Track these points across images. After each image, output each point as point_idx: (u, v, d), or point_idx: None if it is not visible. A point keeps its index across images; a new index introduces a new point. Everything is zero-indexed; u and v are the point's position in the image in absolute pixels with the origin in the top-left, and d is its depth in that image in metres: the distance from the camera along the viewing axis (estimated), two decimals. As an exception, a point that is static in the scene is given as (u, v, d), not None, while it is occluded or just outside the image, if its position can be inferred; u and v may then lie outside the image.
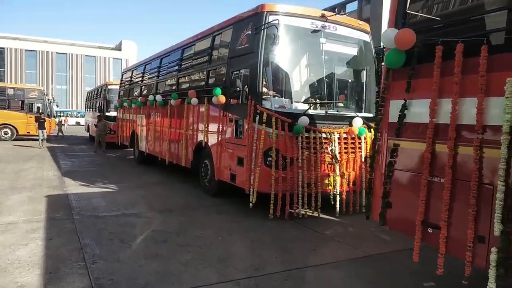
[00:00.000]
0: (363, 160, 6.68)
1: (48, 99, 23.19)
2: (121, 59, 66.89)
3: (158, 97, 10.18)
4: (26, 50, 62.19)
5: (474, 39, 2.69)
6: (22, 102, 20.63)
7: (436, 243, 2.91)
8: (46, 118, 18.71)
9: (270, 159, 5.94)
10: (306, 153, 6.08)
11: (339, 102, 6.78)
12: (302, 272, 4.04)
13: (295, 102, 6.45)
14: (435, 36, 3.00)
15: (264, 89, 6.12)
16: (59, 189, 8.12)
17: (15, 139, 20.19)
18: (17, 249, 4.42)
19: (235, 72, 6.80)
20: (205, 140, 7.70)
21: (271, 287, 3.66)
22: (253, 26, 6.26)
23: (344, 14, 6.57)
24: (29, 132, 20.29)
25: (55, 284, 3.55)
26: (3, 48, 60.77)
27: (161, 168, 11.00)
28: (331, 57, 6.76)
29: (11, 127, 20.19)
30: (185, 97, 8.62)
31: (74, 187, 8.35)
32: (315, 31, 6.49)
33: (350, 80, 7.09)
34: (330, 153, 6.31)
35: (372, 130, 6.79)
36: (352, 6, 40.32)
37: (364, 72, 7.13)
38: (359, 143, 6.63)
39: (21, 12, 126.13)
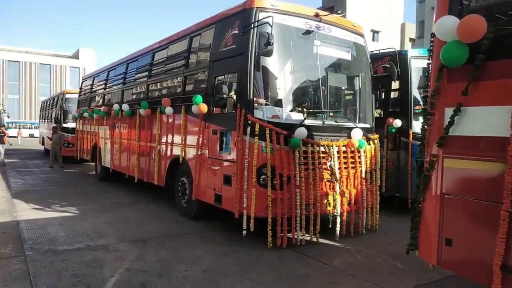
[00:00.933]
0: (363, 176, 6.01)
1: (-1, 110, 21.14)
2: (78, 68, 63.91)
3: (125, 107, 9.10)
4: (-27, 57, 58.03)
5: None
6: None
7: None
8: (5, 132, 16.84)
9: (265, 177, 5.12)
10: (304, 169, 5.31)
11: (337, 112, 6.10)
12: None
13: (289, 111, 5.69)
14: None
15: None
16: (8, 214, 6.86)
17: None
18: None
19: (219, 77, 5.96)
20: (183, 155, 6.76)
21: None
22: (241, 24, 5.46)
23: (341, 14, 5.93)
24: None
25: None
26: None
27: (129, 186, 9.86)
28: (326, 61, 6.07)
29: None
30: (157, 106, 7.64)
31: (26, 211, 7.10)
32: (308, 32, 5.78)
33: (346, 88, 6.44)
34: (329, 169, 5.58)
35: (371, 142, 6.24)
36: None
37: (360, 79, 6.50)
38: (359, 157, 5.96)
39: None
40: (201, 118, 6.18)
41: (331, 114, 6.07)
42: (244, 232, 5.17)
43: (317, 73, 5.86)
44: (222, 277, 4.18)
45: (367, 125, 6.33)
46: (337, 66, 6.30)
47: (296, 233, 5.29)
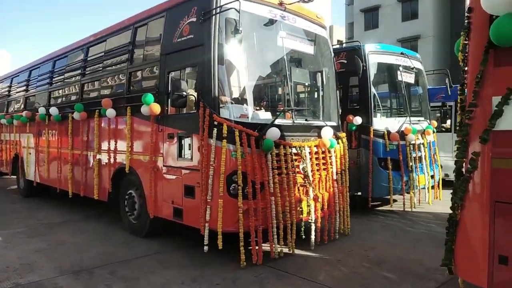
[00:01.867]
0: (334, 177, 5.59)
1: None
2: (-10, 70, 57.46)
3: (53, 110, 7.81)
4: None
5: None
6: None
7: None
8: None
9: (236, 186, 4.46)
10: (278, 174, 4.74)
11: (306, 109, 5.62)
12: None
13: (256, 109, 5.09)
14: None
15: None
16: None
17: None
18: None
19: (174, 73, 5.17)
20: (129, 164, 5.83)
21: None
22: (199, 11, 4.73)
23: (310, 1, 5.45)
24: None
25: None
26: None
27: (62, 201, 8.52)
28: (292, 55, 5.58)
29: None
30: (95, 108, 6.59)
31: None
32: (273, 22, 5.22)
33: (312, 84, 5.99)
34: (302, 172, 5.08)
35: (340, 141, 5.85)
36: None
37: (325, 73, 6.09)
38: (330, 157, 5.54)
39: None
40: (153, 120, 5.33)
41: (298, 112, 5.57)
42: (206, 247, 4.48)
43: (283, 67, 5.32)
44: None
45: (334, 123, 5.94)
46: (302, 60, 5.84)
47: (274, 246, 4.69)
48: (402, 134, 7.37)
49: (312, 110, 5.93)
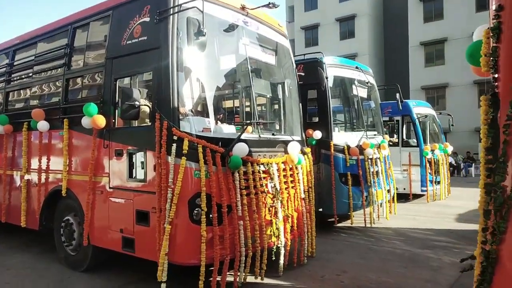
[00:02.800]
0: (302, 195, 5.19)
1: None
2: None
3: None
4: None
5: None
6: None
7: None
8: None
9: (199, 210, 3.85)
10: (246, 195, 4.22)
11: (273, 123, 5.19)
12: None
13: (218, 122, 4.56)
14: None
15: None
16: None
17: None
18: None
19: (123, 80, 4.48)
20: (67, 186, 4.96)
21: None
22: (153, 9, 4.13)
23: (275, 7, 5.06)
24: None
25: None
26: None
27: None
28: (255, 64, 5.13)
29: None
30: (23, 121, 5.62)
31: None
32: (235, 26, 4.77)
33: (276, 96, 5.60)
34: (271, 191, 4.61)
35: (306, 157, 5.48)
36: None
37: (287, 85, 5.73)
38: (297, 174, 5.14)
39: None
40: (96, 134, 4.57)
41: (264, 126, 5.13)
42: (163, 286, 3.81)
43: (247, 77, 4.86)
44: None
45: (299, 138, 5.58)
46: (264, 70, 5.41)
47: (238, 275, 4.13)
48: (360, 149, 7.24)
49: (278, 123, 5.51)
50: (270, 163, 4.60)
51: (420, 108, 11.22)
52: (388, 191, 8.02)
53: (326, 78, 6.57)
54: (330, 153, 6.96)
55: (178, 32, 3.98)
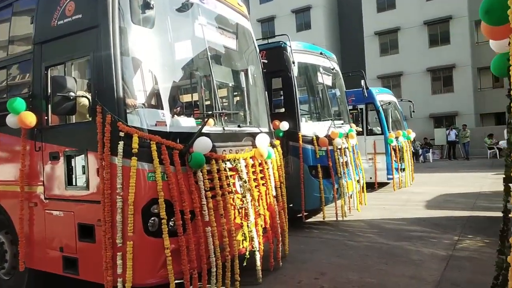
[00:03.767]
0: (273, 193, 4.67)
1: None
2: None
3: None
4: None
5: None
6: None
7: None
8: None
9: (155, 220, 3.23)
10: (212, 197, 3.63)
11: (239, 113, 4.62)
12: None
13: (175, 115, 3.93)
14: None
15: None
16: None
17: None
18: None
19: (56, 68, 3.72)
20: (-7, 198, 4.13)
21: None
22: (89, -18, 3.42)
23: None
24: None
25: None
26: None
27: None
28: (214, 48, 4.52)
29: None
30: None
31: None
32: (189, 5, 4.12)
33: (239, 84, 5.03)
34: (240, 191, 4.05)
35: (276, 150, 4.97)
36: None
37: (251, 72, 5.17)
38: (267, 169, 4.62)
39: None
40: (26, 135, 3.78)
41: (228, 117, 4.55)
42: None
43: (206, 62, 4.23)
44: None
45: (265, 129, 5.05)
46: (227, 55, 4.83)
47: (209, 290, 3.56)
48: (328, 139, 6.84)
49: (243, 114, 4.95)
50: (237, 159, 4.04)
51: (382, 95, 11.08)
52: (358, 181, 7.72)
53: (293, 63, 6.09)
54: (299, 144, 6.50)
55: (120, 6, 3.29)
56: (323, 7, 30.68)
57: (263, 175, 4.49)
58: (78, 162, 3.51)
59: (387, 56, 26.87)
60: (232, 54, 4.90)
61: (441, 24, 25.08)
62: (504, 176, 1.92)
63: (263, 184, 4.45)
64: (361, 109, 10.81)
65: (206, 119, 3.78)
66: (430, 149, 19.88)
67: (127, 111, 3.26)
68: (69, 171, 3.56)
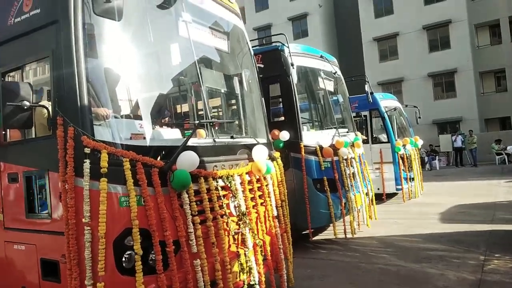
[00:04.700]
0: (274, 213, 4.07)
1: None
2: None
3: None
4: None
5: None
6: None
7: None
8: None
9: (131, 254, 2.63)
10: (201, 222, 3.04)
11: (231, 122, 4.05)
12: None
13: (156, 126, 3.35)
14: None
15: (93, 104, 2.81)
16: None
17: None
18: None
19: (13, 73, 3.17)
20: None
21: None
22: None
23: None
24: None
25: None
26: None
27: None
28: (202, 48, 3.97)
29: None
30: None
31: None
32: (172, 0, 3.59)
33: (231, 91, 4.48)
34: (235, 213, 3.46)
35: (275, 163, 4.38)
36: None
37: (246, 77, 4.62)
38: (267, 185, 4.02)
39: None
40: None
41: (220, 127, 3.98)
42: None
43: (192, 66, 3.68)
44: None
45: (264, 140, 4.47)
46: (217, 58, 4.28)
47: None
48: (333, 149, 6.25)
49: (238, 124, 4.38)
50: (231, 176, 3.45)
51: (387, 101, 10.53)
52: (366, 194, 7.12)
53: (292, 65, 5.54)
54: (301, 156, 5.91)
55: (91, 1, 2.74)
56: (320, 14, 30.40)
57: (261, 193, 3.90)
58: (40, 184, 2.92)
59: (387, 62, 26.43)
60: (223, 57, 4.34)
61: (440, 29, 24.69)
62: None
63: (261, 204, 3.85)
64: (365, 116, 10.26)
65: (193, 130, 3.20)
66: (436, 156, 19.27)
67: (94, 122, 2.69)
68: (30, 195, 2.98)
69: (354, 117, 9.91)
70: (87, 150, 2.55)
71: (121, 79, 3.18)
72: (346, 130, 7.34)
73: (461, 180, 13.41)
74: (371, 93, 8.53)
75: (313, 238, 6.57)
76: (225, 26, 4.34)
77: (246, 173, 3.70)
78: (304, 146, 5.94)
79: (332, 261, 5.36)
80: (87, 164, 2.55)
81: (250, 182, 3.74)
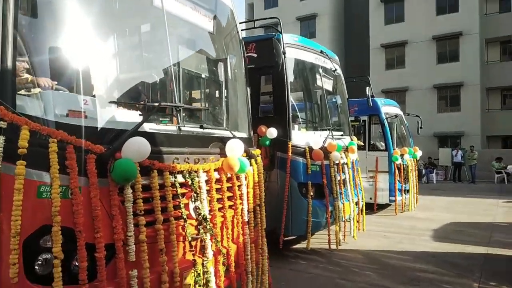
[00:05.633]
0: (245, 218, 3.56)
1: None
2: None
3: None
4: None
5: None
6: None
7: None
8: None
9: (50, 257, 2.13)
10: (147, 225, 2.53)
11: (203, 109, 3.53)
12: None
13: (108, 103, 2.84)
14: None
15: (22, 66, 2.30)
16: None
17: None
18: None
19: None
20: None
21: None
22: None
23: None
24: None
25: None
26: None
27: None
28: (177, 24, 3.45)
29: None
30: None
31: None
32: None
33: (212, 76, 3.96)
34: (195, 215, 2.95)
35: (254, 162, 3.88)
36: None
37: (230, 63, 4.11)
38: (239, 186, 3.52)
39: None
40: None
41: (189, 113, 3.47)
42: None
43: (162, 39, 3.17)
44: None
45: (245, 134, 3.97)
46: (196, 36, 3.77)
47: None
48: (324, 152, 5.74)
49: (212, 112, 3.86)
50: (195, 171, 2.94)
51: (388, 108, 10.01)
52: (356, 203, 6.61)
53: (284, 53, 5.03)
54: (287, 156, 5.40)
55: None
56: (329, 15, 29.88)
57: (232, 194, 3.39)
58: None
59: (393, 70, 25.91)
60: (204, 37, 3.83)
61: (450, 40, 24.17)
62: None
63: (230, 207, 3.35)
64: (364, 121, 9.75)
65: (149, 112, 2.69)
66: (434, 170, 18.77)
67: (19, 89, 2.18)
68: None
69: (352, 121, 9.43)
70: (2, 124, 2.04)
71: (72, 46, 2.66)
72: (341, 133, 6.84)
73: (458, 196, 12.91)
74: (372, 97, 7.99)
75: (295, 246, 6.11)
76: (211, 3, 3.83)
77: (215, 170, 3.19)
78: (292, 146, 5.43)
79: (310, 275, 4.86)
80: (0, 142, 2.04)
81: (219, 180, 3.23)
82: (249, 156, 3.70)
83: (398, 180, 9.20)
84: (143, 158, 2.46)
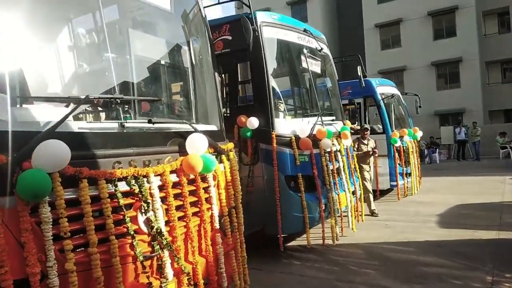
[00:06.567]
0: (216, 224, 3.05)
1: None
2: None
3: None
4: None
5: None
6: None
7: None
8: None
9: None
10: (79, 247, 2.03)
11: (152, 99, 3.01)
12: None
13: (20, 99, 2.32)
14: None
15: None
16: None
17: None
18: None
19: None
20: None
21: None
22: None
23: None
24: None
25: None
26: None
27: None
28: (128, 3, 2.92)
29: None
30: None
31: None
32: None
33: (172, 62, 3.42)
34: (146, 229, 2.44)
35: (225, 158, 3.36)
36: None
37: (194, 45, 3.56)
38: (206, 188, 3.00)
39: None
40: None
41: (137, 107, 2.93)
42: None
43: (96, 15, 2.63)
44: None
45: (213, 127, 3.44)
46: (150, 17, 3.23)
47: None
48: (313, 140, 5.22)
49: (169, 104, 3.33)
50: (142, 176, 2.43)
51: (384, 88, 9.43)
52: (353, 193, 6.10)
53: (254, 30, 4.47)
54: (272, 147, 4.88)
55: None
56: (320, -2, 29.10)
57: (197, 199, 2.88)
58: None
59: (389, 50, 25.21)
60: (158, 15, 3.29)
61: (446, 15, 23.42)
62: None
63: (195, 214, 2.84)
64: (359, 103, 9.20)
65: (76, 105, 2.17)
66: (437, 149, 18.22)
67: None
68: None
69: (346, 104, 8.91)
70: None
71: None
72: (332, 118, 6.30)
73: (463, 175, 12.39)
74: (364, 76, 7.42)
75: (289, 244, 5.62)
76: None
77: (172, 172, 2.67)
78: (277, 135, 4.90)
79: (304, 278, 4.37)
80: None
81: (177, 184, 2.72)
82: (217, 152, 3.18)
83: (399, 164, 8.68)
84: (60, 167, 1.94)
